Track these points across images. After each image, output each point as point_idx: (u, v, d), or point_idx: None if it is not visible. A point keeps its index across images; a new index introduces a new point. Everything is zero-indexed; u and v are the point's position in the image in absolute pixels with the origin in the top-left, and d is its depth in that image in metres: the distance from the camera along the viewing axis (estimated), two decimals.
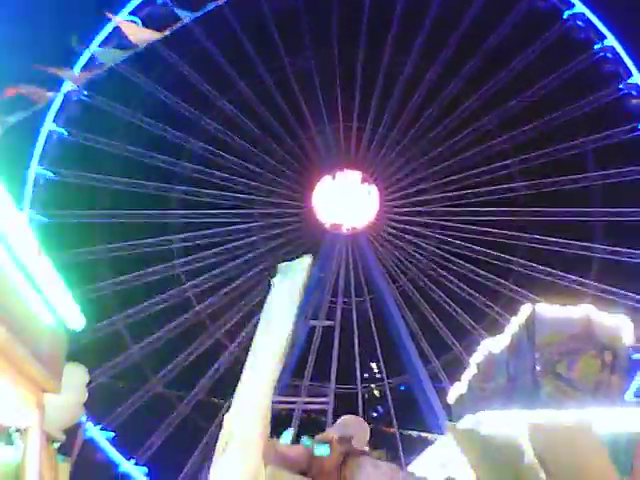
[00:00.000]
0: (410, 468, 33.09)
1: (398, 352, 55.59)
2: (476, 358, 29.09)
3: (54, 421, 14.92)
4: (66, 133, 53.01)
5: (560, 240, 54.42)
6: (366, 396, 57.38)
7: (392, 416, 55.67)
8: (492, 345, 27.66)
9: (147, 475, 51.06)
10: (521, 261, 55.38)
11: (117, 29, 46.81)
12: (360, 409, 55.24)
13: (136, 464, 51.08)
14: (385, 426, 55.22)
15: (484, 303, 55.25)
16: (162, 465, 51.70)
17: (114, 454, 50.39)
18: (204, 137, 57.17)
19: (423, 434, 50.47)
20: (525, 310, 26.17)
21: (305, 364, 55.46)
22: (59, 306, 13.32)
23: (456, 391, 28.83)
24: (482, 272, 55.66)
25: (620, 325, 25.28)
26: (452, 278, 56.24)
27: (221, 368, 54.83)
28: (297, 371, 55.29)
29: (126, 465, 50.54)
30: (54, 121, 52.44)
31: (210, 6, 21.38)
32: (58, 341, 14.03)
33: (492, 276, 55.54)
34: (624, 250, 54.02)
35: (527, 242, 55.43)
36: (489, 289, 55.73)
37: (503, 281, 55.44)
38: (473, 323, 55.15)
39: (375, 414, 57.76)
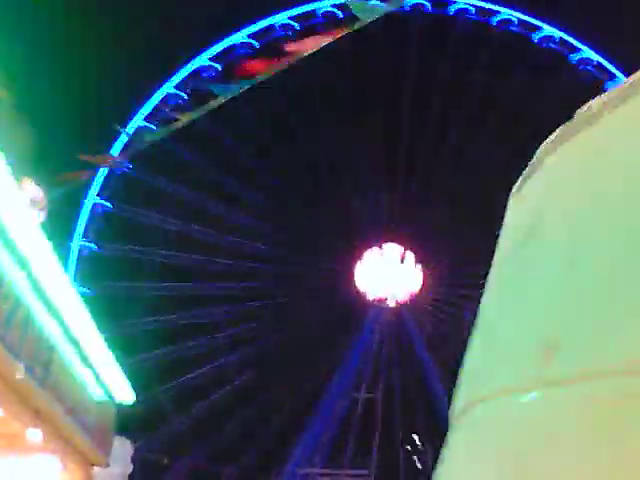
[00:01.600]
0: None
1: (441, 424, 55.07)
2: None
3: None
4: (110, 206, 53.57)
5: None
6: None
7: None
8: None
9: None
10: None
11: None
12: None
13: None
14: None
15: None
16: None
17: None
18: (248, 210, 57.44)
19: None
20: None
21: (346, 437, 55.05)
22: (109, 380, 13.64)
23: None
24: None
25: None
26: None
27: (264, 442, 54.50)
28: (338, 444, 54.94)
29: None
30: (98, 194, 53.03)
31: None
32: (107, 415, 14.32)
33: None
34: None
35: None
36: None
37: None
38: None
39: None
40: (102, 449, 14.42)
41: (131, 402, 14.22)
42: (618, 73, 55.81)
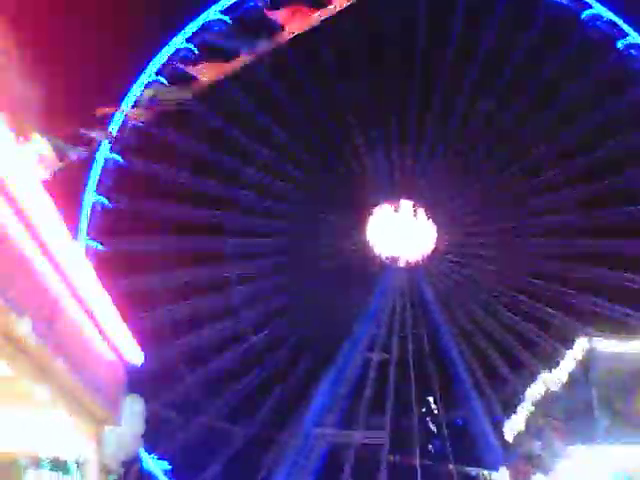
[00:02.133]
0: None
1: (455, 386, 55.10)
2: (532, 393, 28.83)
3: (112, 453, 15.10)
4: (122, 160, 53.24)
5: (617, 272, 53.69)
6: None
7: (448, 451, 55.02)
8: (548, 380, 27.39)
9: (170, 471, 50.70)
10: (573, 292, 54.66)
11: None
12: (416, 444, 54.91)
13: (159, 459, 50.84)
14: (440, 461, 54.56)
15: (539, 334, 54.65)
16: (186, 465, 51.41)
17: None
18: (257, 165, 57.13)
19: (479, 470, 49.76)
20: (581, 344, 25.90)
21: (360, 398, 55.10)
22: (118, 341, 13.51)
23: (513, 427, 28.60)
24: (539, 305, 54.98)
25: None
26: (509, 312, 55.72)
27: (275, 401, 54.63)
28: (352, 405, 55.02)
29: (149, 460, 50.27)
30: (110, 151, 52.79)
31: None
32: (117, 375, 14.21)
33: (549, 309, 54.91)
34: None
35: (583, 273, 54.75)
36: (544, 321, 55.11)
37: (560, 314, 54.78)
38: (529, 357, 54.53)
39: (431, 448, 56.97)
40: (113, 408, 14.31)
41: (140, 362, 14.04)
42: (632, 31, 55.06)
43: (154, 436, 47.33)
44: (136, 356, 13.69)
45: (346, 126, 57.44)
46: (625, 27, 55.01)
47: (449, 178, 57.76)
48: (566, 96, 56.06)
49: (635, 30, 54.84)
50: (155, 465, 49.93)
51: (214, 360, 54.23)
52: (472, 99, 57.46)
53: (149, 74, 52.39)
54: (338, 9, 26.88)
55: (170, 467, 50.52)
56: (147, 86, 50.04)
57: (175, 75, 49.06)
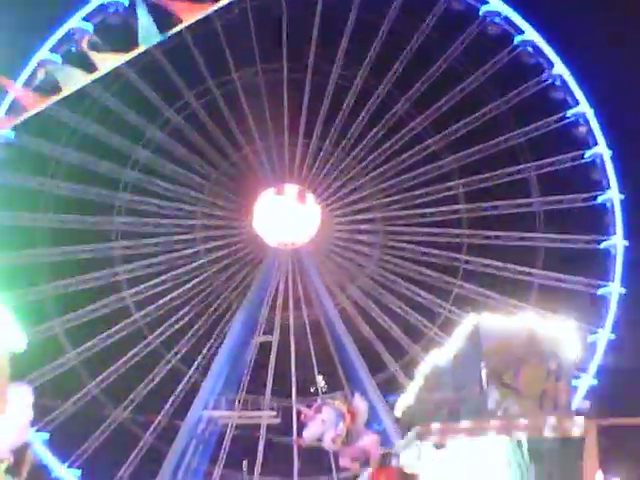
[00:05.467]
0: None
1: (341, 366, 55.57)
2: (422, 369, 29.12)
3: (0, 441, 14.65)
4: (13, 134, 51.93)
5: (503, 233, 54.85)
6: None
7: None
8: (437, 355, 27.72)
9: (81, 478, 50.28)
10: (460, 282, 55.70)
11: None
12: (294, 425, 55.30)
13: (70, 467, 50.30)
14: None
15: (421, 322, 55.55)
16: (96, 469, 50.99)
17: (49, 457, 49.58)
18: (149, 147, 56.56)
19: None
20: (469, 320, 26.29)
21: (250, 380, 55.27)
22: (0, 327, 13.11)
23: (403, 403, 28.84)
24: (429, 272, 55.86)
25: (564, 333, 25.51)
26: (392, 297, 56.47)
27: (156, 378, 54.35)
28: (242, 387, 55.11)
29: (60, 469, 49.78)
30: None
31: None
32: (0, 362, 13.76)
33: (439, 275, 55.87)
34: (565, 237, 54.62)
35: (471, 238, 55.77)
36: (427, 309, 56.06)
37: (451, 279, 55.82)
38: (410, 342, 55.39)
39: None
40: None
41: (22, 347, 13.64)
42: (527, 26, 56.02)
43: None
44: (17, 340, 13.33)
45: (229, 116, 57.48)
46: (522, 23, 55.95)
47: (340, 163, 58.23)
48: (460, 89, 56.97)
49: (532, 26, 55.86)
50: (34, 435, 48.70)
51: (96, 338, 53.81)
52: (363, 88, 58.00)
53: (43, 52, 51.58)
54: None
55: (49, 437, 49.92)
56: (40, 64, 49.02)
57: (69, 55, 48.41)
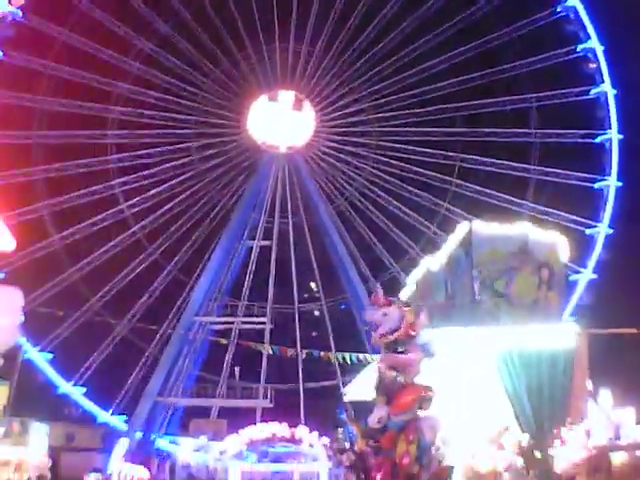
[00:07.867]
0: (347, 389, 33.50)
1: (337, 272, 55.79)
2: (414, 276, 29.16)
3: None
4: (1, 53, 51.20)
5: (496, 160, 54.53)
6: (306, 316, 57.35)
7: (330, 336, 56.01)
8: (430, 263, 27.74)
9: (86, 394, 50.78)
10: (457, 181, 55.45)
11: None
12: (297, 329, 55.73)
13: (75, 384, 50.79)
14: (324, 347, 55.40)
15: (420, 221, 55.48)
16: (101, 385, 51.52)
17: (53, 375, 50.00)
18: (140, 57, 55.80)
19: (361, 355, 50.46)
20: (462, 228, 26.25)
21: (243, 285, 55.50)
22: None
23: None
24: (419, 192, 55.69)
25: (557, 243, 25.51)
26: (389, 198, 56.25)
27: (157, 291, 54.52)
28: (235, 292, 55.36)
29: (65, 386, 50.28)
30: None
31: None
32: None
33: (429, 195, 55.65)
34: (558, 171, 54.29)
35: (463, 162, 55.48)
36: (426, 208, 55.89)
37: (440, 201, 55.58)
38: (410, 242, 55.41)
39: (315, 334, 57.74)
40: None
41: (11, 247, 13.60)
42: None
43: (37, 329, 47.08)
44: (8, 243, 13.28)
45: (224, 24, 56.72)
46: None
47: (333, 68, 57.60)
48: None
49: None
50: (38, 356, 49.49)
51: (96, 253, 53.79)
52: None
53: None
54: None
55: (53, 357, 50.33)
56: None
57: None
